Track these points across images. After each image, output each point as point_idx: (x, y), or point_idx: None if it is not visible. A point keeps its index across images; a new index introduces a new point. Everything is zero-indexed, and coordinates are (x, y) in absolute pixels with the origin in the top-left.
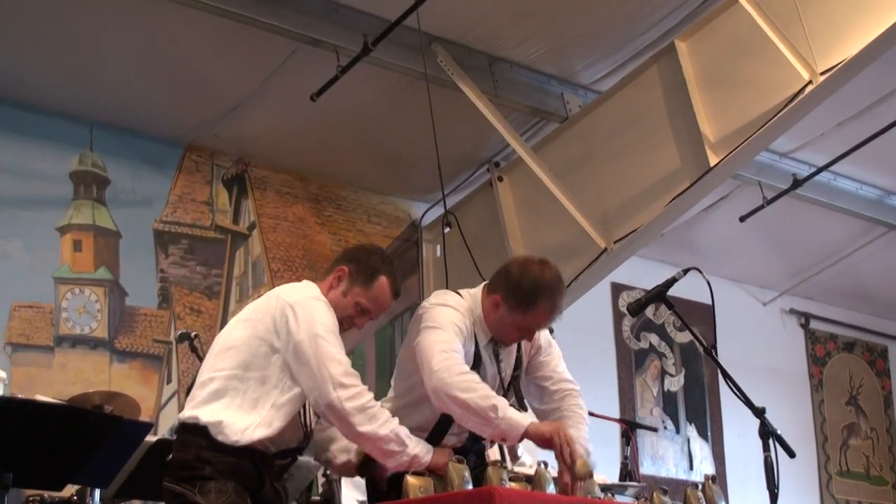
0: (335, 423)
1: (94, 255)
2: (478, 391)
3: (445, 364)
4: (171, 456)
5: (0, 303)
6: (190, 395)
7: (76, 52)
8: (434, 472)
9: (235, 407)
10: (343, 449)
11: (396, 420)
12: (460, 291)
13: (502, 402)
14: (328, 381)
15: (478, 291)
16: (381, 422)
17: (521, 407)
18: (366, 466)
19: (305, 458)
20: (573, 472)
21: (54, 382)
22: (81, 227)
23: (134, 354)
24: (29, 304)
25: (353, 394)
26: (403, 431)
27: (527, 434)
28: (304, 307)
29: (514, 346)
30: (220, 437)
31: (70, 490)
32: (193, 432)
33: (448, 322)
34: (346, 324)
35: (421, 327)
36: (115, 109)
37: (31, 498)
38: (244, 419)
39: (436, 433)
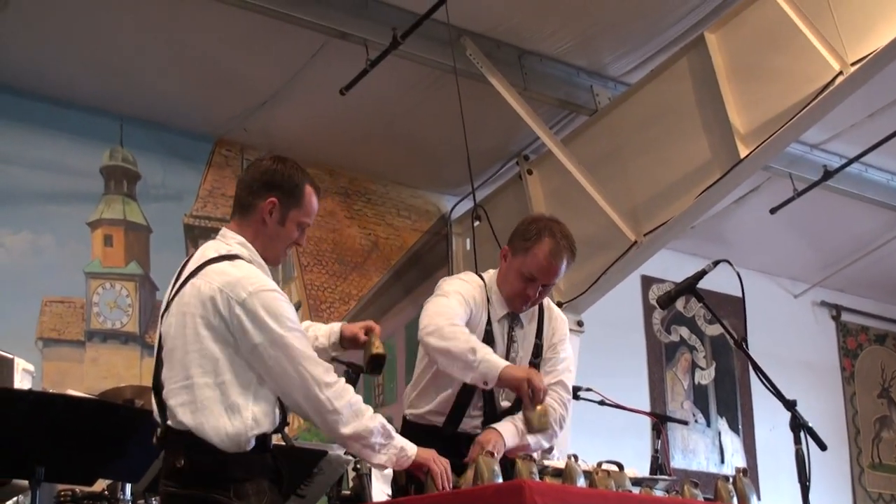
0: (319, 424)
1: (125, 249)
2: (459, 338)
3: (434, 320)
4: (180, 463)
5: (31, 298)
6: (173, 401)
7: (107, 47)
8: (416, 470)
9: (221, 415)
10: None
11: (379, 414)
12: (483, 273)
13: (481, 346)
14: (311, 383)
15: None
16: (368, 415)
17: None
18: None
19: (336, 453)
20: (528, 419)
21: (86, 377)
22: (112, 221)
23: None
24: (60, 299)
25: (339, 391)
26: (388, 424)
27: (501, 376)
28: (259, 306)
29: (532, 330)
30: (220, 446)
31: (101, 485)
32: (196, 438)
33: (452, 290)
34: (289, 248)
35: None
36: (146, 104)
37: (62, 492)
38: (233, 426)
39: (452, 417)
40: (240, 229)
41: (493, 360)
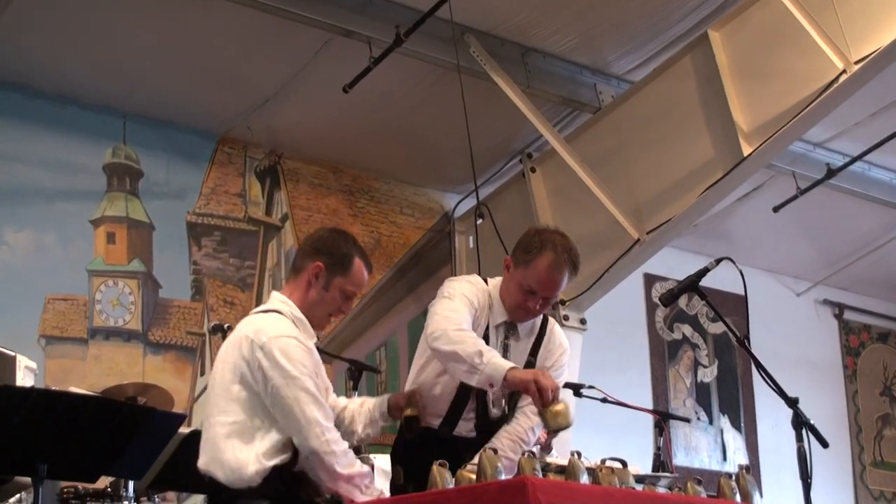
0: (317, 463)
1: (128, 247)
2: (467, 341)
3: (441, 325)
4: None
5: (34, 295)
6: (202, 440)
7: (109, 45)
8: None
9: (226, 450)
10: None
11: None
12: (490, 278)
13: (488, 349)
14: (315, 425)
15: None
16: (358, 461)
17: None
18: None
19: None
20: (543, 419)
21: (88, 374)
22: (115, 219)
23: (167, 346)
24: (63, 297)
25: (339, 437)
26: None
27: (507, 378)
28: (275, 348)
29: (528, 346)
30: (225, 482)
31: (104, 482)
32: (213, 481)
33: (458, 293)
34: (334, 315)
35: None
36: (149, 102)
37: (65, 489)
38: (237, 461)
39: (449, 419)
40: (289, 292)
41: (499, 363)
